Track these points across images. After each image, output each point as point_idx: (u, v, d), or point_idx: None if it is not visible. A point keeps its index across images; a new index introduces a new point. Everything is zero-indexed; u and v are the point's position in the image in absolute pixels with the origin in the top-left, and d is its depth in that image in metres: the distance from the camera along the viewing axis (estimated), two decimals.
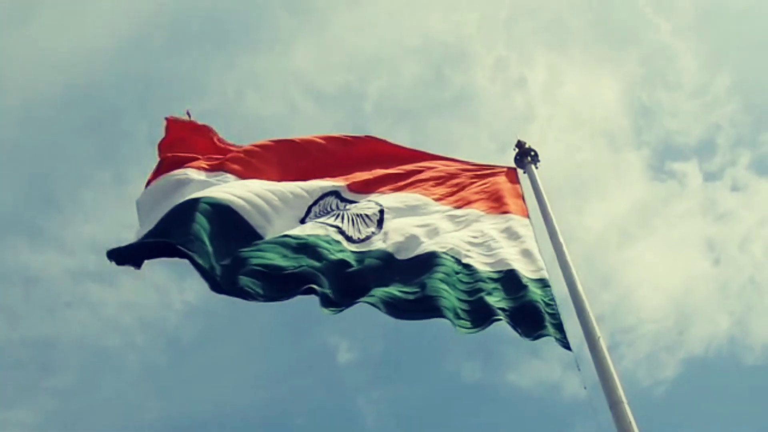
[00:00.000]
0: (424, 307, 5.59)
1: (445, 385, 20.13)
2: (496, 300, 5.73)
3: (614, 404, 4.99)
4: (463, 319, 5.58)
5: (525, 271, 6.07)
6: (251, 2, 23.54)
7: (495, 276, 6.02)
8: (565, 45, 24.54)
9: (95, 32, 21.72)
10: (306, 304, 5.66)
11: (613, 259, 22.00)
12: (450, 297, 5.67)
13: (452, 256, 6.13)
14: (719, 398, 19.80)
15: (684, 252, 22.40)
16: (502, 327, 5.57)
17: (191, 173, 6.60)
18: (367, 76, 24.22)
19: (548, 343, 5.50)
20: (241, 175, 6.73)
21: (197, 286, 5.86)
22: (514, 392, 20.12)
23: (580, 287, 5.93)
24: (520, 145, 7.62)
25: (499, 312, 5.58)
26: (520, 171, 7.52)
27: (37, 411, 18.78)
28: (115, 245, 5.70)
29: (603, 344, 5.42)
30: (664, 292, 21.99)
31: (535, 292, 5.81)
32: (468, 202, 7.08)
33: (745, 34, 23.29)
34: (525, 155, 7.54)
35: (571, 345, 5.49)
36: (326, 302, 5.56)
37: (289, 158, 7.17)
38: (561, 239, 6.44)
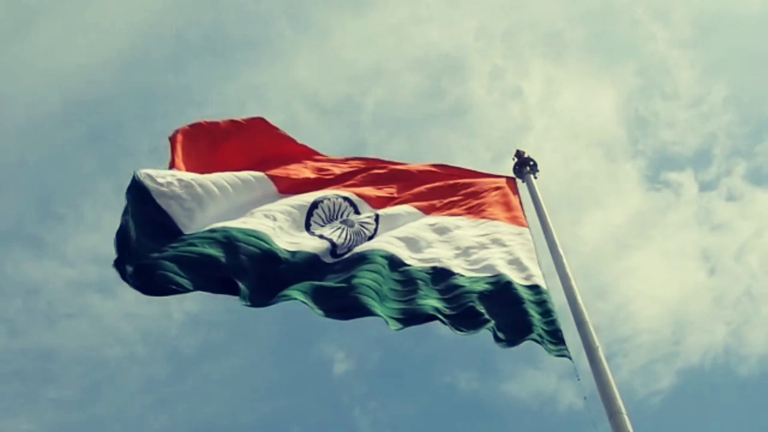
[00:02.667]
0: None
1: (442, 395, 20.10)
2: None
3: (613, 414, 4.98)
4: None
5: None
6: (252, 15, 23.61)
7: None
8: (562, 56, 24.65)
9: (96, 45, 21.83)
10: (303, 315, 5.65)
11: (609, 269, 21.98)
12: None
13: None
14: (715, 409, 19.78)
15: (680, 262, 22.40)
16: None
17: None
18: (366, 87, 24.30)
19: (545, 353, 5.50)
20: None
21: (198, 296, 5.81)
22: (511, 403, 20.08)
23: (579, 298, 5.93)
24: (519, 154, 7.61)
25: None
26: (518, 181, 7.52)
27: (37, 422, 18.74)
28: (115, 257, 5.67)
29: (602, 354, 5.42)
30: (660, 302, 21.96)
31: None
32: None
33: (742, 46, 23.40)
34: (524, 165, 7.53)
35: (568, 356, 5.48)
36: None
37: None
38: (560, 250, 6.44)
